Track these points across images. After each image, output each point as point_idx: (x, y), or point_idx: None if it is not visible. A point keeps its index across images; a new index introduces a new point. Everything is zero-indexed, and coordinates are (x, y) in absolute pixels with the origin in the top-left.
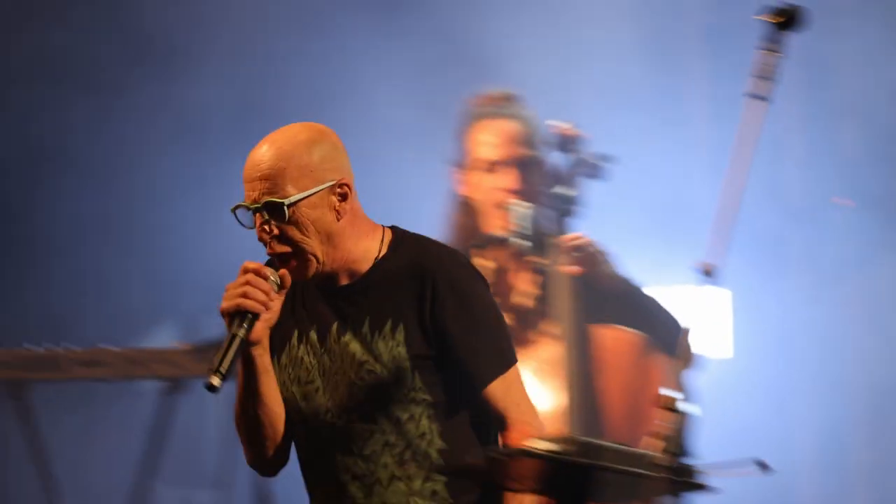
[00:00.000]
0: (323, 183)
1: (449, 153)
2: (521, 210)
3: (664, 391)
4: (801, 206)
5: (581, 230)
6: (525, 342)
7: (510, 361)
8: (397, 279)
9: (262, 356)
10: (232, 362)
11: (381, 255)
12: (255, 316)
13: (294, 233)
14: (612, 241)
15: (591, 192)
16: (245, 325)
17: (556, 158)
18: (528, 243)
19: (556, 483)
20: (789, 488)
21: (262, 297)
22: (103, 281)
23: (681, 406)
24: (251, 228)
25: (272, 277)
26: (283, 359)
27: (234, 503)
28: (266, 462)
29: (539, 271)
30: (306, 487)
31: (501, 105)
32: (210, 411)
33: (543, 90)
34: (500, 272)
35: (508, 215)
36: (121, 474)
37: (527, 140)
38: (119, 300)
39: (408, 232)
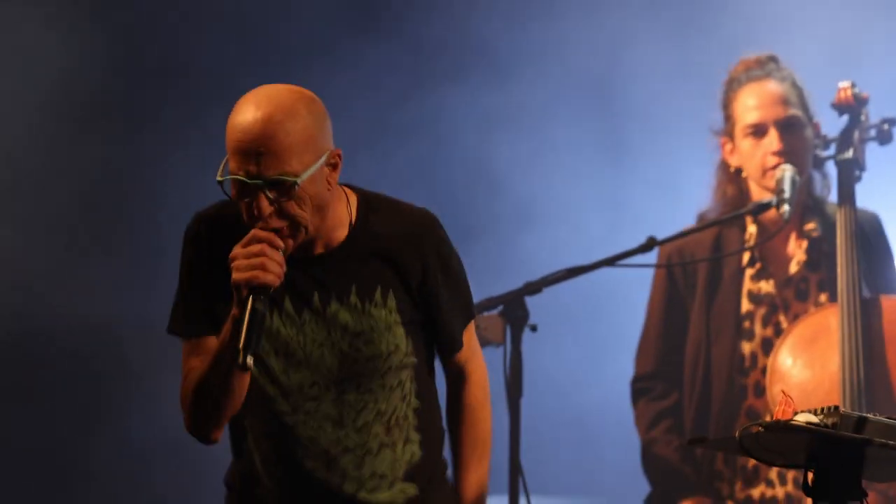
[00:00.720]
0: (322, 155)
1: (713, 122)
2: (785, 174)
3: None
4: None
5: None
6: (791, 309)
7: (472, 314)
8: (380, 246)
9: None
10: (259, 338)
11: (353, 221)
12: (269, 288)
13: (293, 208)
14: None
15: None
16: (262, 298)
17: (839, 121)
18: (789, 208)
19: (820, 458)
20: None
21: (278, 269)
22: None
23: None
24: (237, 199)
25: (282, 247)
26: None
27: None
28: (217, 428)
29: (806, 236)
30: (255, 466)
31: (763, 68)
32: None
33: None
34: (767, 237)
35: (773, 179)
36: None
37: (790, 100)
38: None
39: (371, 193)
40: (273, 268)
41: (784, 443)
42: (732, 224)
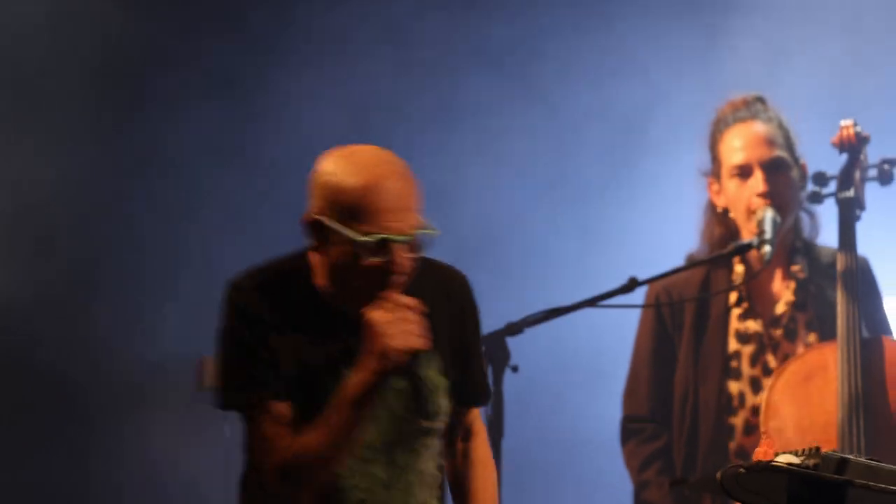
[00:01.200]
0: None
1: (701, 163)
2: (765, 214)
3: None
4: None
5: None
6: (782, 351)
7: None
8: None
9: None
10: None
11: None
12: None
13: (411, 262)
14: (874, 248)
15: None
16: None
17: (840, 161)
18: (770, 248)
19: (801, 499)
20: None
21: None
22: None
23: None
24: (379, 260)
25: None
26: (318, 394)
27: None
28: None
29: (793, 277)
30: None
31: (749, 108)
32: None
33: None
34: (753, 278)
35: (755, 220)
36: None
37: (776, 141)
38: None
39: None
40: (420, 332)
41: (765, 484)
42: (721, 265)
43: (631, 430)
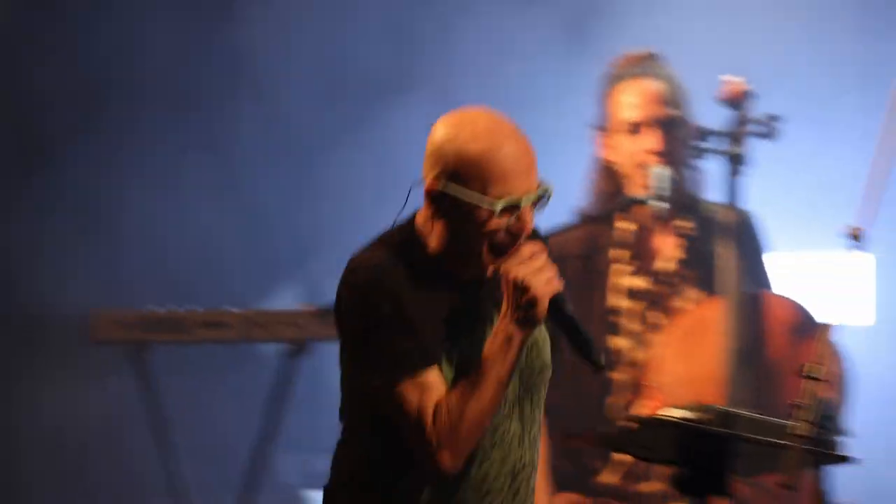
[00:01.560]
0: None
1: (590, 117)
2: (660, 172)
3: (809, 361)
4: None
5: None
6: (669, 308)
7: None
8: None
9: None
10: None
11: None
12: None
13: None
14: (760, 203)
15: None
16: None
17: (726, 115)
18: (665, 205)
19: (689, 453)
20: None
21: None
22: (224, 244)
23: (824, 376)
24: (506, 222)
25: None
26: (454, 359)
27: None
28: None
29: (682, 234)
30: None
31: (643, 65)
32: (330, 375)
33: (693, 48)
34: (642, 235)
35: (648, 177)
36: (240, 439)
37: (669, 99)
38: (240, 262)
39: None
40: (557, 276)
41: (653, 438)
42: (606, 221)
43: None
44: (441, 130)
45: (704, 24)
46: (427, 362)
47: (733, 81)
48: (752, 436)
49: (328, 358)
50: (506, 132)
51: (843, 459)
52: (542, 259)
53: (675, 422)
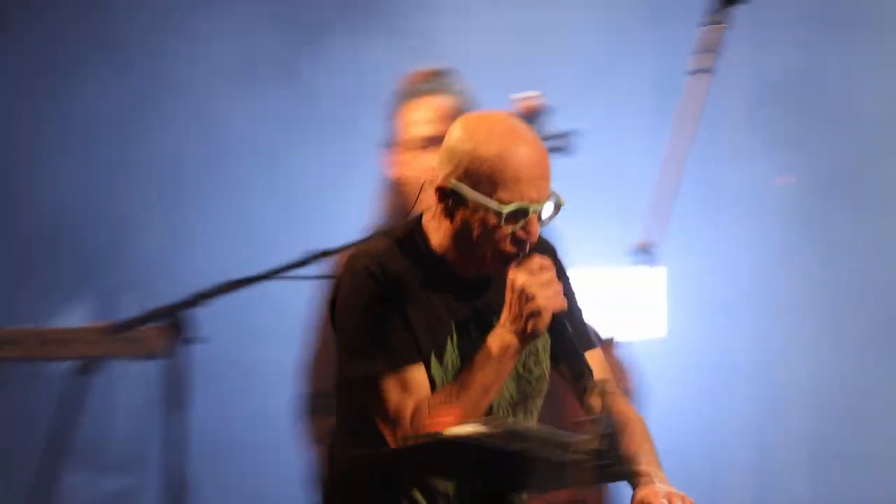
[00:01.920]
0: None
1: (378, 135)
2: None
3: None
4: (741, 184)
5: None
6: None
7: None
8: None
9: None
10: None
11: None
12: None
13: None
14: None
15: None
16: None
17: None
18: None
19: (481, 471)
20: (722, 470)
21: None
22: (9, 259)
23: (609, 391)
24: (513, 227)
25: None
26: (446, 359)
27: (144, 488)
28: None
29: None
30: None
31: (434, 81)
32: (121, 394)
33: (485, 65)
34: None
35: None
36: (28, 458)
37: (459, 115)
38: (29, 279)
39: None
40: (561, 294)
41: (439, 454)
42: None
43: (319, 405)
44: (458, 129)
45: (500, 40)
46: (415, 359)
47: (528, 97)
48: (537, 452)
49: (119, 375)
50: (522, 138)
51: (624, 476)
52: (550, 274)
53: (459, 439)
